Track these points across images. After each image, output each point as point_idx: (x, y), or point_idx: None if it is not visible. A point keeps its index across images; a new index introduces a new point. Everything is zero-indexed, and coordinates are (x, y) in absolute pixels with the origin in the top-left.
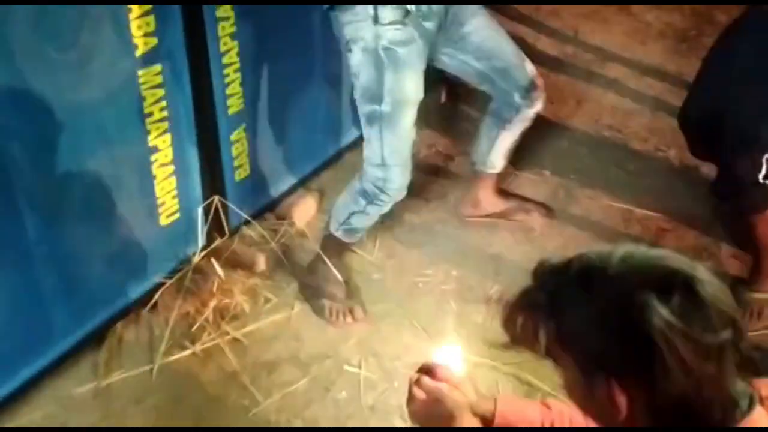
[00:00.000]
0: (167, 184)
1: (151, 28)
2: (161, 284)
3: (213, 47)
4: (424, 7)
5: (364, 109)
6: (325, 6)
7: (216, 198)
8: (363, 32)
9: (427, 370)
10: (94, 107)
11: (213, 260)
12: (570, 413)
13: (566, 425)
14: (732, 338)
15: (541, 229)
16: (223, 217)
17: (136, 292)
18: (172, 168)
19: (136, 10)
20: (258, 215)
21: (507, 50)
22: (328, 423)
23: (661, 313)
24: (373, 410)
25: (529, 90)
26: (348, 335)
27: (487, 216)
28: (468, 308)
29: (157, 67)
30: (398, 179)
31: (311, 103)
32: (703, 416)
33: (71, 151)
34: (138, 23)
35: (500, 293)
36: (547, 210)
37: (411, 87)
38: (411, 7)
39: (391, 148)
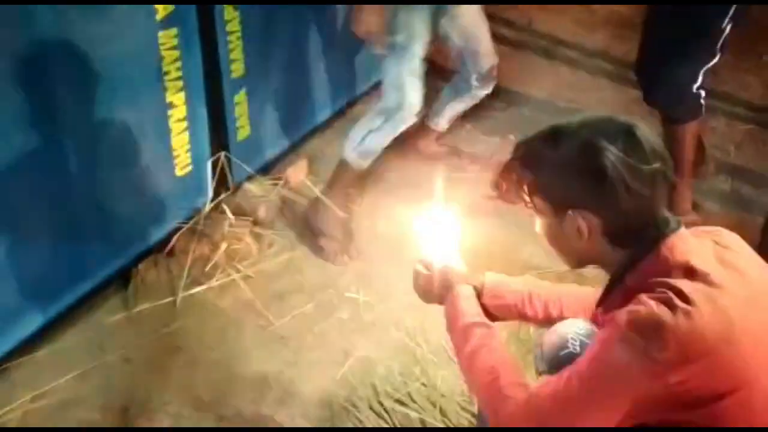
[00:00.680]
0: (181, 138)
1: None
2: (177, 229)
3: (219, 15)
4: None
5: (387, 39)
6: None
7: (222, 154)
8: None
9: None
10: (123, 62)
11: (225, 206)
12: (550, 285)
13: (545, 296)
14: (662, 168)
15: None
16: (228, 172)
17: (156, 236)
18: (185, 124)
19: None
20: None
21: (483, 39)
22: (335, 337)
23: (611, 150)
24: (373, 325)
25: (486, 77)
26: (346, 270)
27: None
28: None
29: (174, 30)
30: (413, 98)
31: (305, 72)
32: (643, 232)
33: (105, 100)
34: None
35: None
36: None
37: (420, 25)
38: None
39: (407, 74)
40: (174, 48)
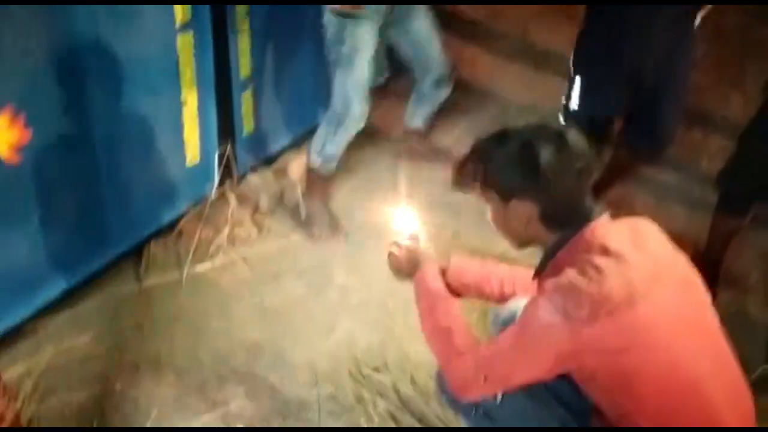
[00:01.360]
0: (192, 131)
1: (187, 3)
2: (185, 213)
3: (230, 22)
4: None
5: (330, 54)
6: None
7: (229, 146)
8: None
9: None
10: (145, 62)
11: (229, 194)
12: (506, 268)
13: (501, 277)
14: (586, 166)
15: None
16: (233, 163)
17: (166, 218)
18: (196, 119)
19: None
20: (258, 168)
21: (434, 48)
22: (324, 315)
23: (546, 150)
24: (357, 306)
25: (440, 81)
26: (336, 256)
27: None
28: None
29: (190, 35)
30: (358, 107)
31: (305, 75)
32: (571, 217)
33: (128, 95)
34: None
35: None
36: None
37: (365, 37)
38: None
39: (350, 85)
40: (189, 50)
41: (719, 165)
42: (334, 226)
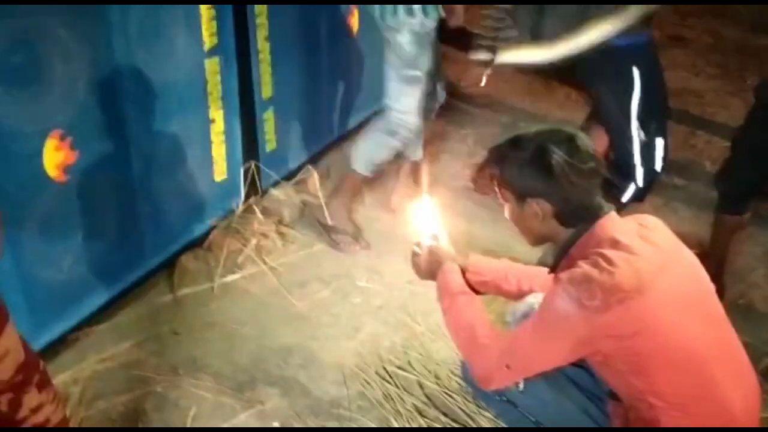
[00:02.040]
0: (219, 148)
1: (214, 29)
2: (214, 227)
3: (253, 46)
4: None
5: (407, 73)
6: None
7: (253, 163)
8: (413, 19)
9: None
10: (177, 84)
11: (255, 207)
12: (523, 266)
13: (519, 274)
14: (595, 167)
15: None
16: (258, 178)
17: (196, 231)
18: (223, 136)
19: (205, 15)
20: (280, 182)
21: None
22: (348, 317)
23: (558, 153)
24: (380, 308)
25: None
26: (358, 263)
27: None
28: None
29: (217, 59)
30: (416, 122)
31: (323, 96)
32: (583, 214)
33: (161, 116)
34: (206, 26)
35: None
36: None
37: (428, 62)
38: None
39: (416, 101)
40: (216, 73)
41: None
42: (356, 232)
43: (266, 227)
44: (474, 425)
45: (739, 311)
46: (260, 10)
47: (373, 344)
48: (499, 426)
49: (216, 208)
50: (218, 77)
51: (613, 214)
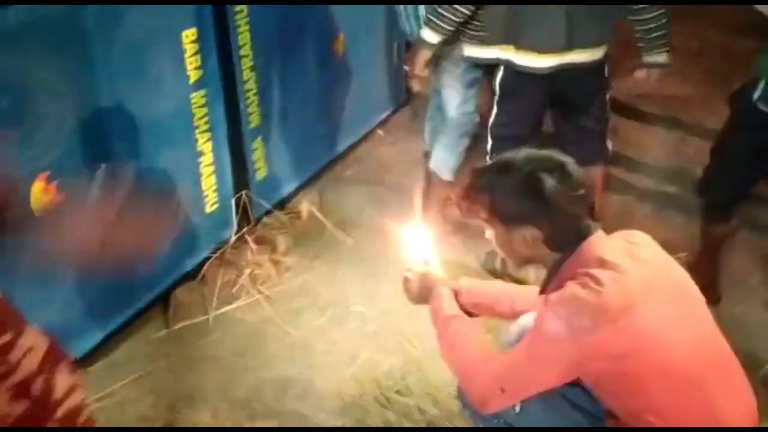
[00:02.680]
0: (209, 180)
1: (199, 63)
2: (207, 258)
3: (238, 77)
4: None
5: (467, 77)
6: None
7: (244, 192)
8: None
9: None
10: (164, 119)
11: (248, 237)
12: (515, 287)
13: (511, 296)
14: (585, 193)
15: None
16: (249, 208)
17: (189, 264)
18: (212, 168)
19: (189, 50)
20: (272, 210)
21: None
22: (344, 344)
23: (549, 181)
24: (376, 333)
25: None
26: (352, 287)
27: None
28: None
29: (203, 92)
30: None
31: (311, 122)
32: (571, 238)
33: (149, 149)
34: (190, 60)
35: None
36: None
37: None
38: None
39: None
40: (203, 106)
41: None
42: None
43: (260, 256)
44: None
45: (737, 317)
46: (244, 40)
47: (370, 370)
48: None
49: (209, 240)
50: (205, 110)
51: (601, 233)
